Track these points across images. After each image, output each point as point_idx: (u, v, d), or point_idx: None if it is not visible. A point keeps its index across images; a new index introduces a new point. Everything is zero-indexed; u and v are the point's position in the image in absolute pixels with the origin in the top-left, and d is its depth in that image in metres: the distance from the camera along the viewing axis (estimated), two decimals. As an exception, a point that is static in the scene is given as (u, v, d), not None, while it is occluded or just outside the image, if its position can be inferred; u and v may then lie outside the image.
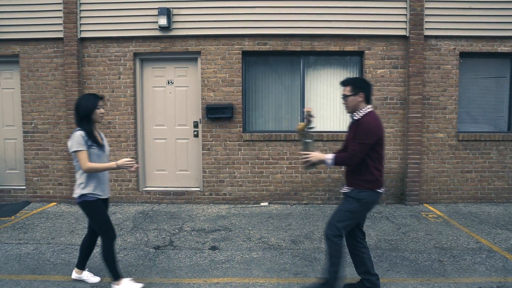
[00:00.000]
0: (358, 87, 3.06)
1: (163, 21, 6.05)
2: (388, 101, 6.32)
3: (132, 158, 6.29)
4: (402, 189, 6.38)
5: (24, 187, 6.58)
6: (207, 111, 6.23)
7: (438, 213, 5.85)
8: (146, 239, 4.72)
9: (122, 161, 3.12)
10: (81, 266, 3.56)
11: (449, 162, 6.39)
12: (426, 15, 6.13)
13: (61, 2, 6.19)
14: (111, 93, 6.33)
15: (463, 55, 6.32)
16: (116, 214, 5.80)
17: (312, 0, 6.17)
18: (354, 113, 3.10)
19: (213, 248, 4.42)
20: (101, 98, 3.29)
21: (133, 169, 3.12)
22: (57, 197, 6.52)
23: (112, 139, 6.38)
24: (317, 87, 6.49)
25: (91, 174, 3.17)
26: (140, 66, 6.47)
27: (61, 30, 6.25)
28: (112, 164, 3.15)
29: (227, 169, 6.41)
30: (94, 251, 4.13)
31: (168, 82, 6.52)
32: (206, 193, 6.44)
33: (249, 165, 6.39)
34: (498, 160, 6.38)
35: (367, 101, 3.08)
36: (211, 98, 6.32)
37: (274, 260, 4.07)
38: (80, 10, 6.24)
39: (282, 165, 6.37)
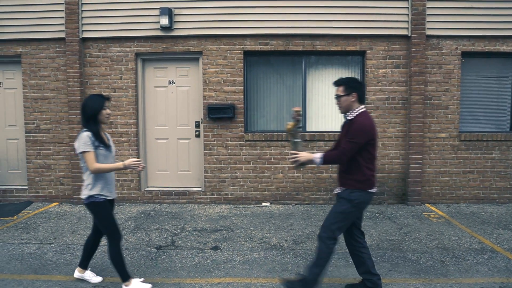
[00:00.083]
0: (351, 87, 3.06)
1: (164, 21, 6.05)
2: (390, 101, 6.30)
3: (137, 158, 6.29)
4: (404, 189, 6.37)
5: (26, 187, 6.59)
6: (209, 111, 6.23)
7: (440, 213, 5.83)
8: (148, 239, 4.72)
9: (129, 161, 3.11)
10: (84, 265, 3.56)
11: (451, 162, 6.37)
12: (428, 14, 6.12)
13: (63, 2, 6.20)
14: (112, 93, 6.34)
15: (465, 54, 6.30)
16: (118, 214, 5.81)
17: (314, 0, 6.16)
18: (347, 113, 3.10)
19: (215, 248, 4.42)
20: (108, 98, 3.28)
21: (139, 168, 3.12)
22: (59, 197, 6.54)
23: (114, 139, 6.39)
24: (319, 87, 6.48)
25: (98, 175, 3.17)
26: (141, 66, 6.48)
27: (63, 30, 6.26)
28: (119, 164, 3.14)
29: (228, 169, 6.41)
30: (97, 250, 4.13)
31: (170, 82, 6.52)
32: (207, 193, 6.44)
33: (251, 165, 6.39)
34: (500, 160, 6.36)
35: (361, 101, 3.09)
36: (213, 98, 6.32)
37: (276, 260, 4.07)
38: (82, 10, 6.25)
39: (283, 165, 6.36)
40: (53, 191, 6.53)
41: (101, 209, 3.19)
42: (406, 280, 3.60)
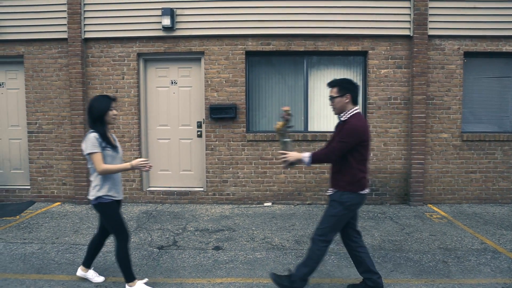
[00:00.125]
0: (344, 88, 3.06)
1: (166, 21, 6.06)
2: (392, 101, 6.30)
3: (137, 157, 6.31)
4: (406, 190, 6.36)
5: (29, 187, 6.61)
6: (211, 111, 6.23)
7: (442, 213, 5.82)
8: (150, 239, 4.73)
9: (136, 161, 3.11)
10: (87, 264, 3.57)
11: (453, 162, 6.36)
12: (430, 14, 6.11)
13: (65, 2, 6.22)
14: (115, 93, 6.35)
15: (468, 54, 6.28)
16: (120, 214, 5.82)
17: (316, 0, 6.16)
18: (341, 114, 3.11)
19: (217, 248, 4.43)
20: (114, 99, 3.27)
21: (146, 169, 3.11)
22: (61, 197, 6.55)
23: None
24: (321, 87, 6.47)
25: (106, 175, 3.16)
26: (143, 66, 6.49)
27: (65, 31, 6.28)
28: (127, 164, 3.14)
29: (230, 169, 6.41)
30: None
31: (172, 82, 6.53)
32: (209, 193, 6.45)
33: (253, 165, 6.39)
34: (502, 161, 6.34)
35: (354, 102, 3.09)
36: (215, 98, 6.33)
37: (278, 260, 4.07)
38: (84, 11, 6.27)
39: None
40: (56, 191, 6.55)
41: (109, 210, 3.19)
42: (408, 280, 3.59)
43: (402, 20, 6.17)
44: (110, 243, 4.25)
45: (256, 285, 3.50)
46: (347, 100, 3.05)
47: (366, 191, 3.11)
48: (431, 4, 6.09)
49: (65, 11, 6.24)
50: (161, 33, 6.24)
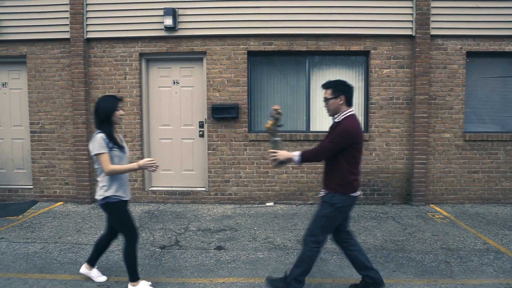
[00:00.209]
0: (338, 90, 3.07)
1: (168, 21, 6.07)
2: (394, 101, 6.29)
3: (139, 157, 6.32)
4: (408, 190, 6.35)
5: (31, 187, 6.63)
6: (213, 111, 6.24)
7: (445, 213, 5.81)
8: (152, 238, 4.74)
9: (144, 161, 3.10)
10: (92, 263, 3.57)
11: (455, 162, 6.34)
12: (432, 14, 6.10)
13: (68, 3, 6.23)
14: (117, 93, 6.36)
15: (470, 54, 6.27)
16: (122, 213, 5.82)
17: (318, 0, 6.15)
18: (335, 116, 3.11)
19: (219, 248, 4.43)
20: (120, 99, 3.26)
21: (153, 168, 3.11)
22: (63, 196, 6.57)
23: (118, 139, 6.41)
24: (323, 87, 6.46)
25: (114, 176, 3.15)
26: (146, 66, 6.50)
27: (68, 31, 6.30)
28: (134, 165, 3.13)
29: (232, 169, 6.42)
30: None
31: (174, 82, 6.54)
32: (211, 193, 6.45)
33: (255, 165, 6.39)
34: (505, 161, 6.32)
35: (349, 104, 3.10)
36: (217, 98, 6.33)
37: (280, 260, 4.07)
38: (87, 11, 6.28)
39: (287, 165, 6.36)
40: (58, 190, 6.57)
41: (117, 209, 3.19)
42: (410, 280, 3.59)
43: (404, 20, 6.15)
44: (113, 243, 4.24)
45: (258, 285, 3.50)
46: (341, 102, 3.06)
47: (358, 193, 3.11)
48: (433, 4, 6.08)
49: (68, 11, 6.26)
50: (163, 33, 6.25)
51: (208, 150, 6.42)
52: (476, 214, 5.78)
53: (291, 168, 6.38)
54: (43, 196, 6.58)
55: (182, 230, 5.08)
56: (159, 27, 6.23)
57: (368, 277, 3.22)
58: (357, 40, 6.24)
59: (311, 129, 6.46)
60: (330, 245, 4.38)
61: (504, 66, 6.37)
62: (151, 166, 3.09)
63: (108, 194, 3.14)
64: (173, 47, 6.32)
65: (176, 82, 6.53)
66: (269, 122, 3.21)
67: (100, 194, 3.18)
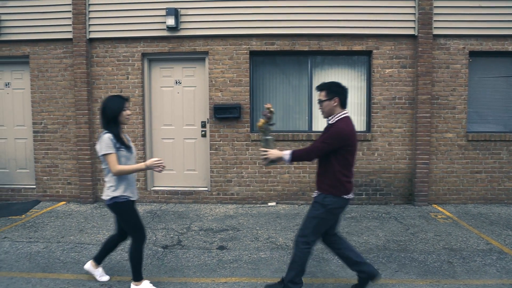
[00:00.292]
0: (332, 92, 3.07)
1: (171, 21, 6.07)
2: (397, 101, 6.27)
3: (141, 157, 6.33)
4: (410, 190, 6.34)
5: (34, 186, 6.66)
6: (215, 111, 6.24)
7: (447, 213, 5.79)
8: (155, 238, 4.74)
9: (151, 161, 3.10)
10: (99, 261, 3.57)
11: (458, 162, 6.32)
12: (435, 14, 6.08)
13: (70, 3, 6.25)
14: (119, 93, 6.37)
15: (473, 54, 6.25)
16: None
17: (320, 0, 6.15)
18: (329, 118, 3.12)
19: (221, 247, 4.43)
20: (127, 99, 3.26)
21: (160, 169, 3.10)
22: (66, 196, 6.59)
23: (121, 139, 6.42)
24: (325, 87, 6.45)
25: (121, 176, 3.14)
26: (148, 66, 6.51)
27: (70, 31, 6.31)
28: (141, 165, 3.13)
29: (234, 169, 6.42)
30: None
31: (176, 82, 6.54)
32: (213, 193, 6.46)
33: (257, 165, 6.39)
34: (508, 161, 6.30)
35: (343, 105, 3.10)
36: (219, 98, 6.34)
37: (282, 260, 4.07)
38: (89, 11, 6.29)
39: (289, 165, 6.36)
40: (61, 190, 6.59)
41: (125, 209, 3.19)
42: (413, 281, 3.58)
43: (407, 20, 6.14)
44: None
45: (260, 284, 3.50)
46: (335, 104, 3.06)
47: (351, 196, 3.11)
48: (436, 3, 6.06)
49: (70, 11, 6.27)
50: (165, 33, 6.26)
51: (210, 150, 6.43)
52: (479, 214, 5.76)
53: (293, 168, 6.37)
54: (45, 195, 6.60)
55: (184, 230, 5.08)
56: (161, 27, 6.24)
57: (361, 272, 3.24)
58: (359, 40, 6.23)
59: (313, 129, 6.46)
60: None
61: (507, 66, 6.35)
62: (158, 166, 3.09)
63: (116, 194, 3.14)
64: (175, 47, 6.33)
65: (178, 82, 6.54)
66: (261, 121, 3.21)
67: (107, 194, 3.17)
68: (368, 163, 6.32)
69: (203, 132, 6.54)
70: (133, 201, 3.28)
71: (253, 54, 6.37)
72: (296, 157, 3.09)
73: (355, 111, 6.47)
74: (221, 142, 6.39)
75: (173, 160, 6.62)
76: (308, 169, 6.36)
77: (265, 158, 3.19)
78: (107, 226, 5.23)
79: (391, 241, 4.63)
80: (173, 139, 6.61)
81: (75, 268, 3.85)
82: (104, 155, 3.07)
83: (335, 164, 3.00)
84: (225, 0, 6.19)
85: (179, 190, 6.52)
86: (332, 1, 6.14)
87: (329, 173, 3.04)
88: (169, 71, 6.53)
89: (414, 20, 6.13)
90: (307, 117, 6.47)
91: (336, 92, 3.06)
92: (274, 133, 6.26)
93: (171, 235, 4.85)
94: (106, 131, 3.12)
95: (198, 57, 6.45)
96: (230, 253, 4.27)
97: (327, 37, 6.23)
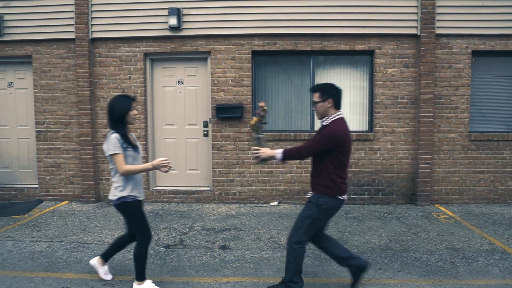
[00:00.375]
0: (326, 93, 3.08)
1: (173, 21, 6.08)
2: (399, 100, 6.26)
3: (143, 157, 6.33)
4: (413, 189, 6.32)
5: (37, 186, 6.68)
6: (217, 110, 6.24)
7: (450, 213, 5.78)
8: (157, 238, 4.75)
9: (157, 161, 3.10)
10: (106, 258, 3.57)
11: (461, 162, 6.31)
12: (437, 13, 6.06)
13: (73, 3, 6.26)
14: (121, 93, 6.38)
15: (476, 53, 6.23)
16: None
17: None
18: (323, 119, 3.12)
19: (223, 247, 4.44)
20: (134, 99, 3.25)
21: (166, 169, 3.10)
22: (69, 195, 6.61)
23: (123, 138, 6.43)
24: (327, 87, 6.45)
25: (128, 176, 3.14)
26: (150, 66, 6.51)
27: (73, 31, 6.33)
28: (148, 165, 3.13)
29: (236, 169, 6.42)
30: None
31: (178, 82, 6.55)
32: (216, 193, 6.46)
33: (259, 164, 6.39)
34: (511, 160, 6.27)
35: (337, 107, 3.10)
36: (221, 97, 6.34)
37: (284, 260, 4.04)
38: (92, 11, 6.31)
39: (291, 165, 6.35)
40: (63, 190, 6.60)
41: (132, 209, 3.18)
42: (415, 281, 3.57)
43: (410, 19, 6.13)
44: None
45: (262, 284, 3.51)
46: (329, 105, 3.07)
47: (345, 197, 3.12)
48: (438, 3, 6.05)
49: (73, 11, 6.29)
50: (167, 33, 6.26)
51: (212, 150, 6.43)
52: (482, 214, 5.75)
53: (295, 168, 6.37)
54: (48, 195, 6.62)
55: (187, 229, 5.09)
56: (163, 27, 6.25)
57: (351, 266, 3.25)
58: (362, 40, 6.22)
59: (315, 129, 6.45)
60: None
61: (510, 65, 6.33)
62: (165, 166, 3.09)
63: (123, 194, 3.13)
64: (177, 47, 6.33)
65: (181, 81, 6.54)
66: (254, 119, 3.22)
67: (115, 194, 3.16)
68: (370, 162, 6.31)
69: (205, 132, 6.55)
70: (140, 201, 3.27)
71: (255, 53, 6.37)
72: (288, 156, 3.11)
73: (357, 110, 6.46)
74: (223, 141, 6.40)
75: (175, 160, 6.62)
76: (310, 169, 6.34)
77: (257, 157, 3.20)
78: (110, 225, 5.24)
79: (393, 241, 4.62)
80: (175, 138, 6.62)
81: (77, 268, 3.87)
82: (112, 155, 3.07)
83: (329, 165, 3.01)
84: (228, 0, 6.19)
85: (181, 190, 6.52)
86: (334, 0, 6.14)
87: (324, 174, 3.05)
88: (171, 71, 6.54)
89: (416, 20, 6.12)
90: (309, 117, 6.47)
91: (330, 94, 3.07)
92: (277, 133, 6.30)
93: (173, 235, 4.86)
94: (113, 131, 3.12)
95: (200, 57, 6.45)
96: (232, 252, 4.27)
97: (329, 37, 6.23)
